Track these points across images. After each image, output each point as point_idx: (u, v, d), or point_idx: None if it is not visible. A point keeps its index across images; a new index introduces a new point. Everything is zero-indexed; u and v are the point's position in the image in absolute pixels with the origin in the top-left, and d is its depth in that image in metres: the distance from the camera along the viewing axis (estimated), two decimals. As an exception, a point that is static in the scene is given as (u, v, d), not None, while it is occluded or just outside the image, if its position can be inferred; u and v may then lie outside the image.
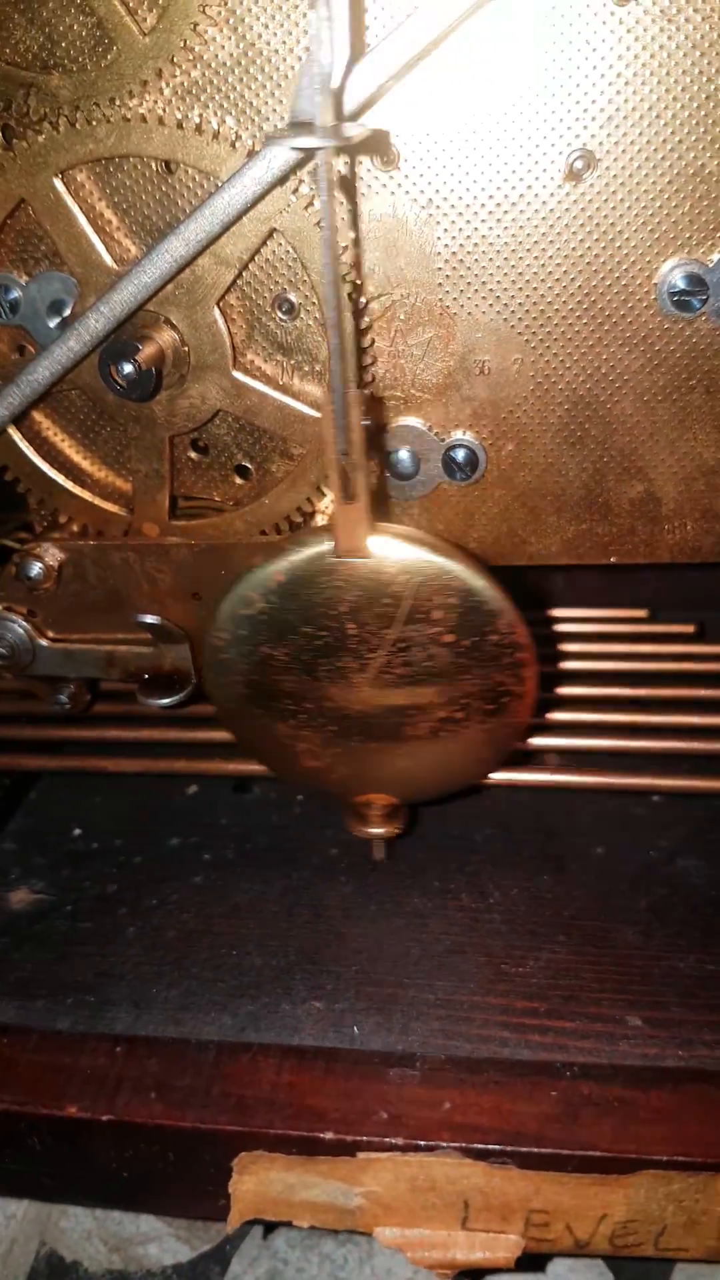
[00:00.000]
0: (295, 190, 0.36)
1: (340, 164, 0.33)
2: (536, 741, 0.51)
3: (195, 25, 0.35)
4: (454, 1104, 0.41)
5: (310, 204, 0.36)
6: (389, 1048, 0.43)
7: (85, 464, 0.44)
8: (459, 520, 0.44)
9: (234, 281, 0.38)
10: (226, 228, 0.36)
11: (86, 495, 0.44)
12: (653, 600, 0.61)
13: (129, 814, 0.58)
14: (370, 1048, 0.43)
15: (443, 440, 0.42)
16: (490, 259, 0.39)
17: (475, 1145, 0.39)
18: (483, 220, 0.38)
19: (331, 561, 0.37)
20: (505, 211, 0.38)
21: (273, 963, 0.47)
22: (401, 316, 0.40)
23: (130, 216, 0.39)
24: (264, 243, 0.38)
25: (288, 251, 0.38)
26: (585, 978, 0.46)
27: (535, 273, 0.39)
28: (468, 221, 0.38)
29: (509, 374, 0.41)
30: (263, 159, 0.34)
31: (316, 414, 0.40)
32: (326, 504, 0.42)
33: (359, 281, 0.39)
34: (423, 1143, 0.39)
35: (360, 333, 0.39)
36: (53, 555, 0.44)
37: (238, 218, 0.36)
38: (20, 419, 0.42)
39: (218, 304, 0.39)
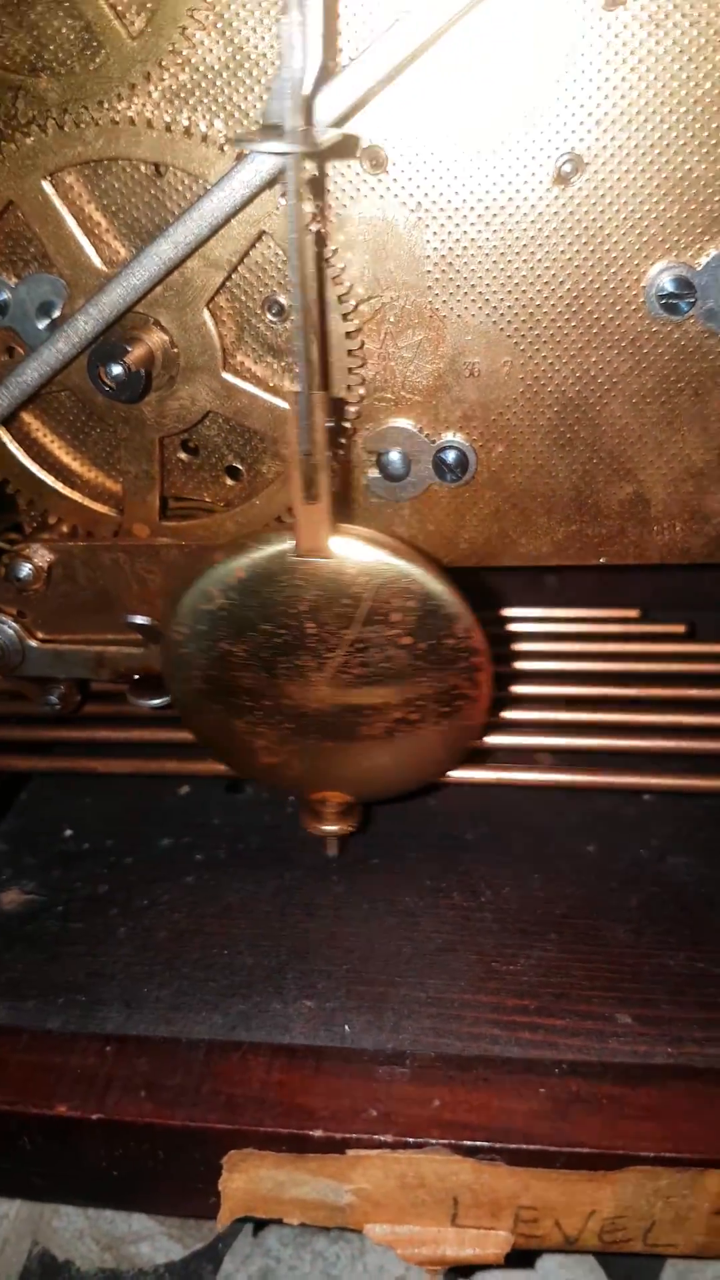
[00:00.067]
0: (284, 194, 0.36)
1: (310, 166, 0.33)
2: (528, 741, 0.51)
3: (183, 29, 0.35)
4: (443, 1101, 0.41)
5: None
6: (379, 1046, 0.43)
7: (75, 465, 0.44)
8: (450, 521, 0.44)
9: (223, 284, 0.38)
10: (215, 230, 0.36)
11: (76, 496, 0.44)
12: (646, 601, 0.62)
13: (120, 814, 0.58)
14: (361, 1046, 0.43)
15: (433, 442, 0.42)
16: (479, 262, 0.39)
17: (464, 1142, 0.39)
18: (472, 224, 0.38)
19: (293, 560, 0.38)
20: (494, 215, 0.38)
21: (264, 962, 0.47)
22: (391, 319, 0.40)
23: (119, 219, 0.39)
24: (253, 245, 0.38)
25: (277, 254, 0.38)
26: (576, 975, 0.46)
27: (524, 276, 0.39)
28: (457, 225, 0.38)
29: (499, 376, 0.41)
30: (251, 162, 0.35)
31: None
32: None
33: (345, 282, 0.39)
34: (412, 1140, 0.40)
35: (349, 335, 0.39)
36: (42, 556, 0.45)
37: (226, 220, 0.36)
38: (9, 420, 0.42)
39: (207, 306, 0.39)
